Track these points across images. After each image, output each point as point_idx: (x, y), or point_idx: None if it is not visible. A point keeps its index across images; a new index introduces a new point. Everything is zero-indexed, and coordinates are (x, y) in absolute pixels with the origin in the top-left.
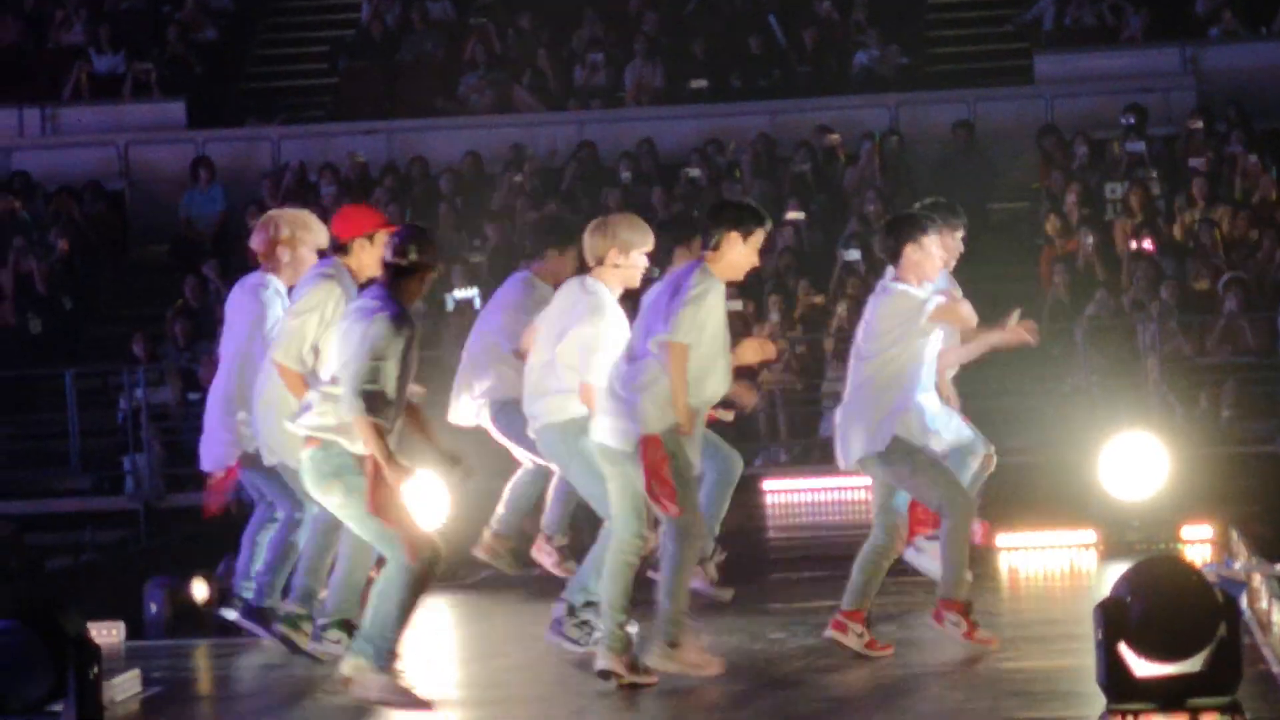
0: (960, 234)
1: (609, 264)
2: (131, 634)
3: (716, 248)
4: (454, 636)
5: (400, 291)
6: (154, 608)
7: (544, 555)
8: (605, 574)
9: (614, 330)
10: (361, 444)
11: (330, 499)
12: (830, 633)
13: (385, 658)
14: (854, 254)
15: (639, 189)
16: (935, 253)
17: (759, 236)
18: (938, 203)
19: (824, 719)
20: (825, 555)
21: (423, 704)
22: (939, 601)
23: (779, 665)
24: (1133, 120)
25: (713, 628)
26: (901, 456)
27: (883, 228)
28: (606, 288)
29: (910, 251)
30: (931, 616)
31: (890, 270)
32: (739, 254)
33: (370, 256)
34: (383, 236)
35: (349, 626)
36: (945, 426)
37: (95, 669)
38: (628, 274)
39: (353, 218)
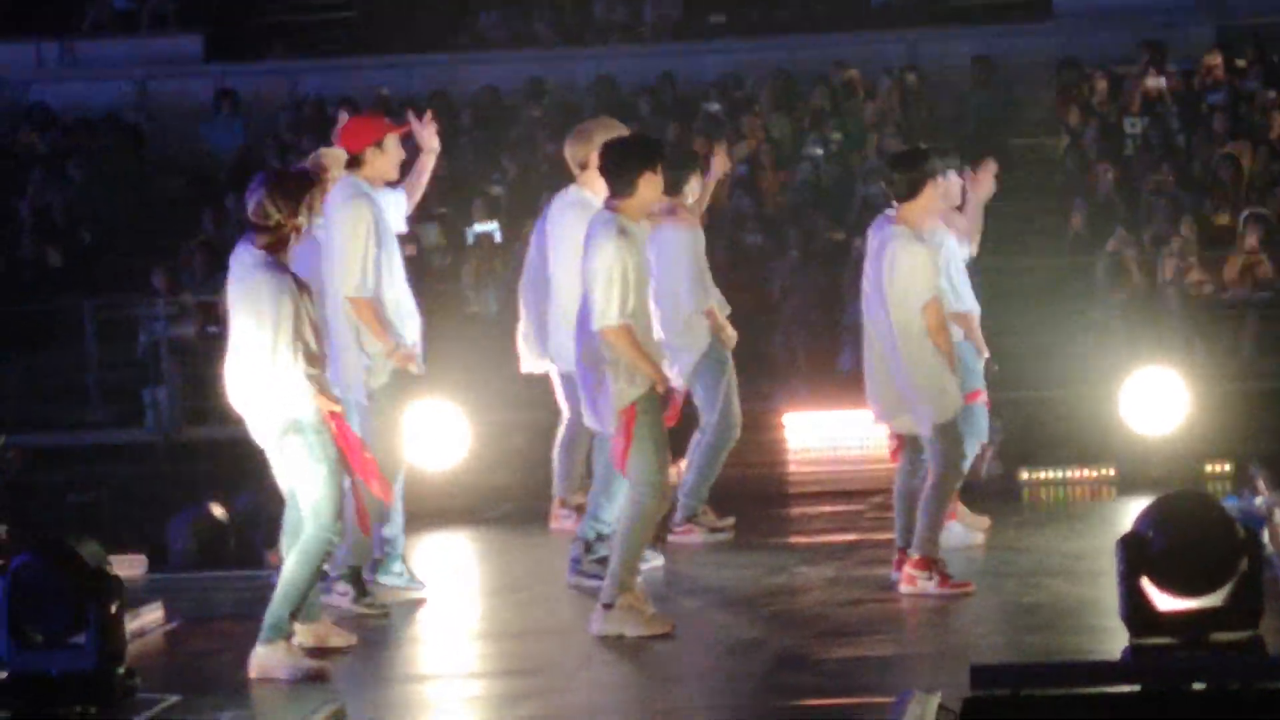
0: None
1: (592, 167)
2: (153, 567)
3: (633, 193)
4: (474, 572)
5: (279, 252)
6: (180, 542)
7: (563, 520)
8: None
9: None
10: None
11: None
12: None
13: (279, 632)
14: (873, 190)
15: (657, 123)
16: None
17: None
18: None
19: (843, 651)
20: (845, 489)
21: (322, 676)
22: (911, 560)
23: (799, 598)
24: (1151, 55)
25: (732, 562)
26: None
27: (897, 158)
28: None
29: (930, 190)
30: (901, 580)
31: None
32: (653, 189)
33: (385, 162)
34: (392, 139)
35: (359, 578)
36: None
37: (117, 602)
38: None
39: (359, 128)
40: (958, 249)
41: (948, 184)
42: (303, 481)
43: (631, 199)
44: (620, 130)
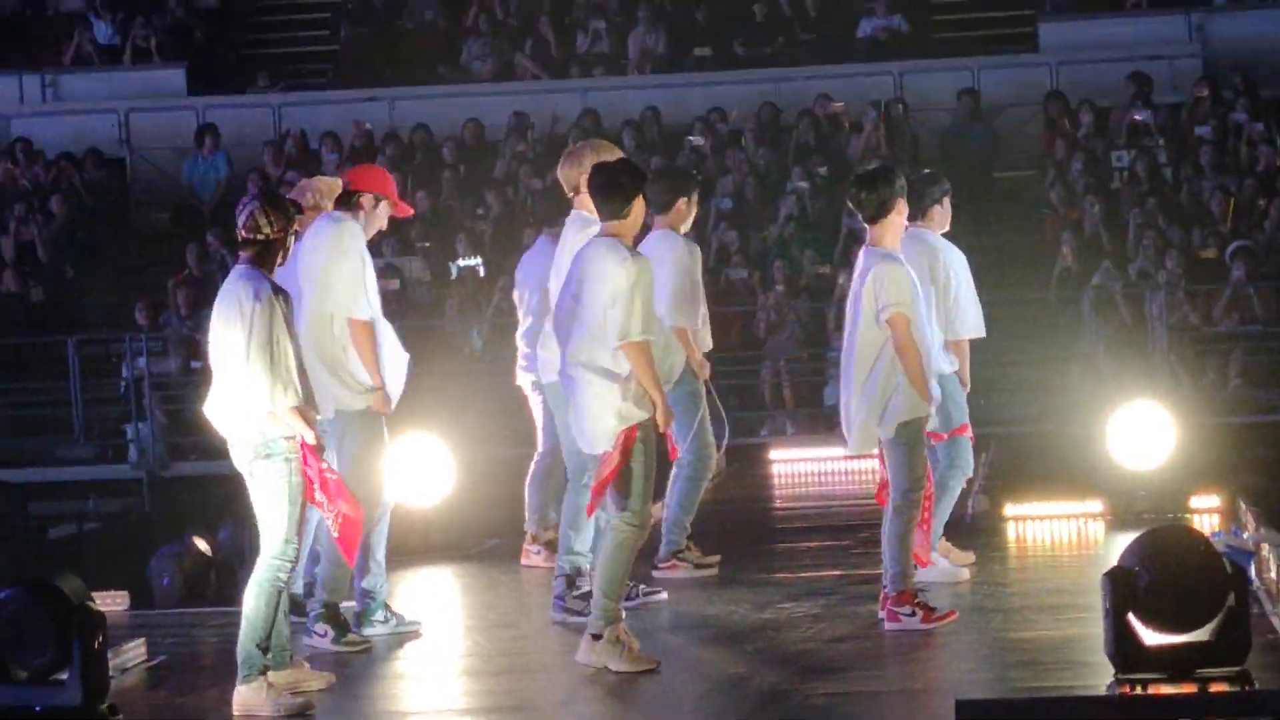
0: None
1: (584, 191)
2: (136, 603)
3: (627, 215)
4: (458, 607)
5: (263, 265)
6: (162, 578)
7: (533, 555)
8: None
9: None
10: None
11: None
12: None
13: (253, 668)
14: (860, 222)
15: (642, 157)
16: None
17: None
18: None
19: (828, 688)
20: (831, 525)
21: (306, 712)
22: (890, 598)
23: (784, 634)
24: (1138, 88)
25: (718, 597)
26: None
27: (864, 178)
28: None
29: (899, 209)
30: (885, 618)
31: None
32: (642, 211)
33: (374, 218)
34: (387, 206)
35: (337, 615)
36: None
37: (100, 638)
38: None
39: (372, 173)
40: (965, 270)
41: (944, 211)
42: (262, 507)
43: (625, 221)
44: (610, 151)
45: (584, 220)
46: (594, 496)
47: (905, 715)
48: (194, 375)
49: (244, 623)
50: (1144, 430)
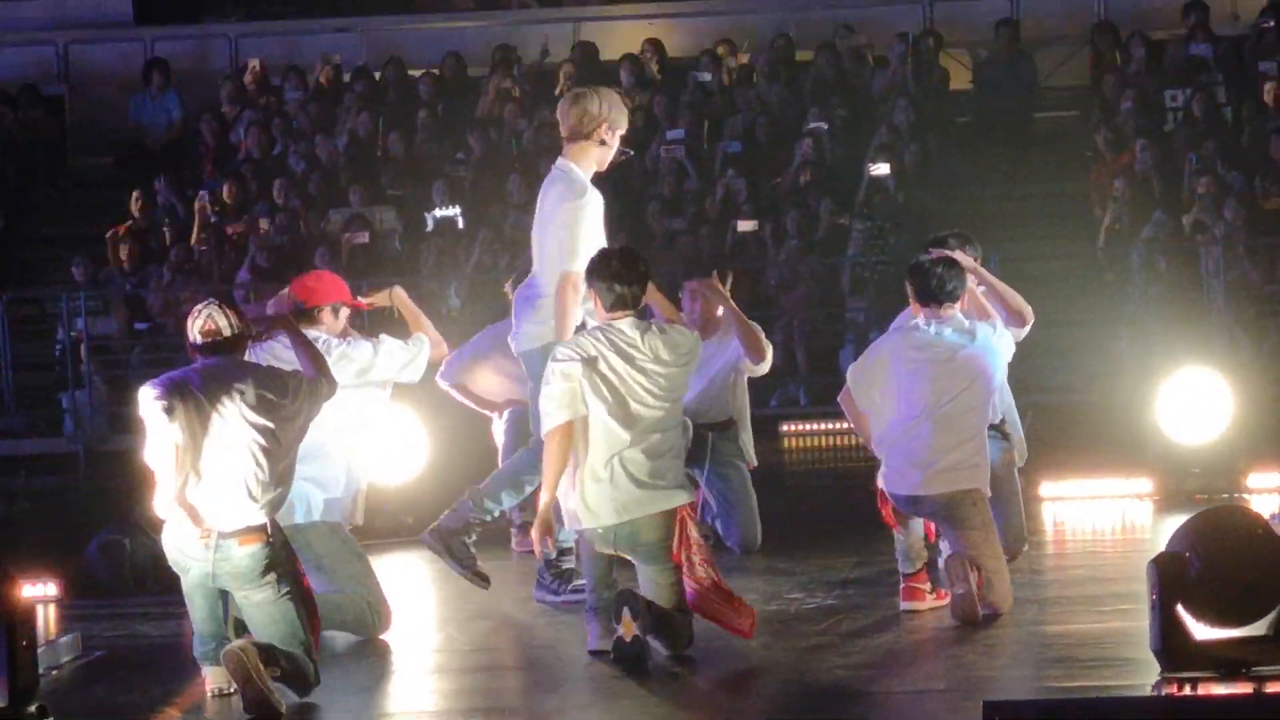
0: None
1: (580, 139)
2: (69, 592)
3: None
4: (432, 597)
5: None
6: (100, 565)
7: (523, 545)
8: None
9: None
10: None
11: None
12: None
13: None
14: (883, 168)
15: (642, 96)
16: None
17: None
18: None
19: (847, 689)
20: (848, 507)
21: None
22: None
23: (797, 628)
24: (1196, 19)
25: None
26: None
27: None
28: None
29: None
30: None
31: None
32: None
33: (336, 326)
34: (345, 311)
35: None
36: None
37: (30, 632)
38: (607, 153)
39: (319, 286)
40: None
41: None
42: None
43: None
44: (616, 105)
45: (571, 180)
46: None
47: (929, 717)
48: (139, 338)
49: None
50: (1197, 400)
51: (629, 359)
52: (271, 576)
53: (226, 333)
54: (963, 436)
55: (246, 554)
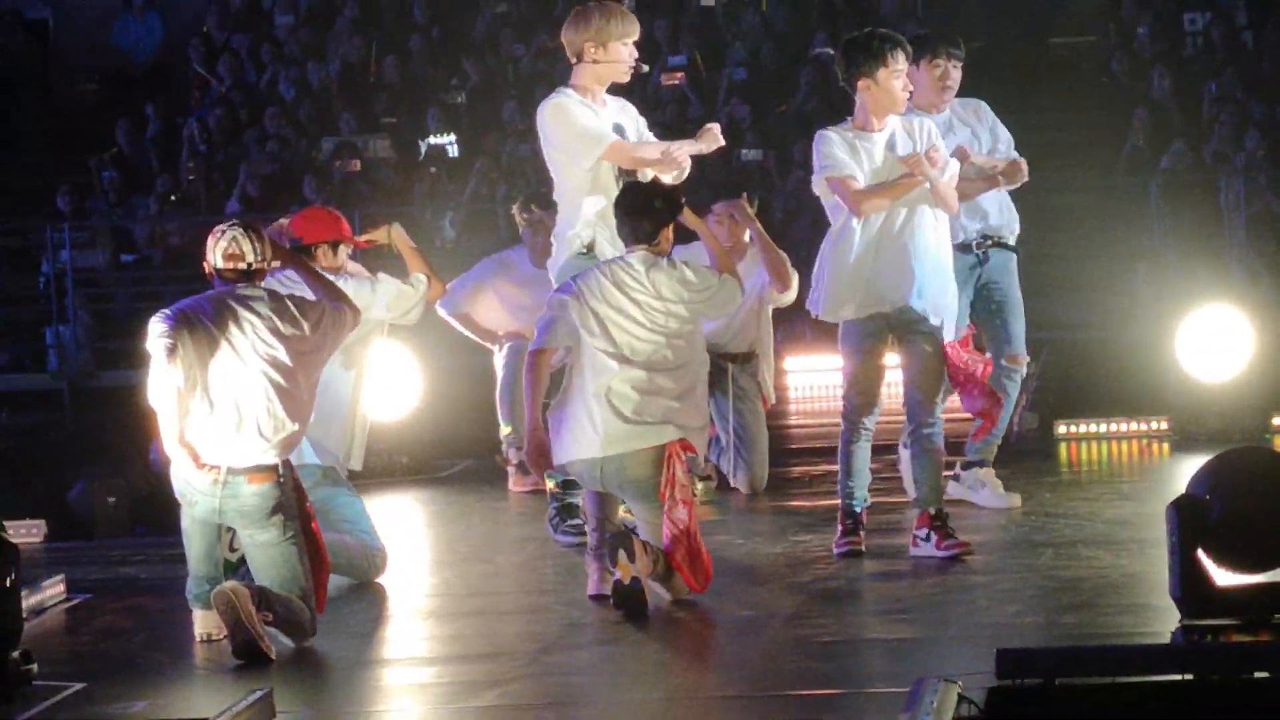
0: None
1: (587, 60)
2: (53, 534)
3: (658, 244)
4: (427, 538)
5: None
6: (85, 505)
7: (525, 481)
8: None
9: None
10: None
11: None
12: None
13: None
14: None
15: (642, 18)
16: (896, 86)
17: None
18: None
19: (855, 635)
20: None
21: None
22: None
23: (801, 571)
24: None
25: (725, 528)
26: None
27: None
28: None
29: (864, 88)
30: (912, 544)
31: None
32: (671, 239)
33: (334, 263)
34: (345, 248)
35: None
36: None
37: (12, 574)
38: (607, 70)
39: (317, 222)
40: None
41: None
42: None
43: (657, 247)
44: (626, 21)
45: (559, 104)
46: None
47: (937, 666)
48: (125, 270)
49: None
50: (1218, 338)
51: (625, 289)
52: (278, 518)
53: (249, 258)
54: None
55: (254, 492)
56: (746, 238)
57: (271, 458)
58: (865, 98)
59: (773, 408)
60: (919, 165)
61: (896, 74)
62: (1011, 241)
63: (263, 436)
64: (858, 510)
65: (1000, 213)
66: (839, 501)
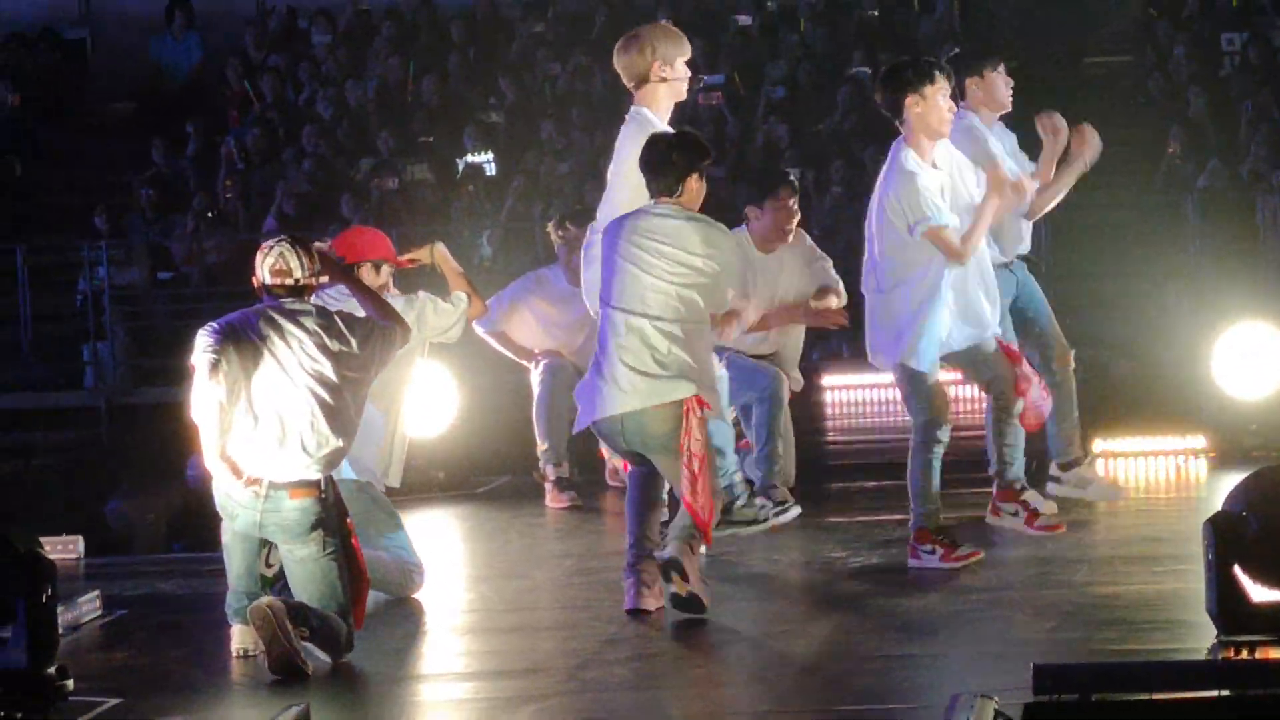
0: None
1: (653, 81)
2: (91, 549)
3: (681, 194)
4: (463, 555)
5: None
6: (122, 521)
7: (561, 497)
8: None
9: None
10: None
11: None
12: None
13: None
14: None
15: None
16: (942, 104)
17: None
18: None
19: (892, 652)
20: (893, 462)
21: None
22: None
23: (836, 588)
24: None
25: (762, 544)
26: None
27: (881, 80)
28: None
29: (912, 105)
30: (910, 555)
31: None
32: (698, 190)
33: (376, 282)
34: (388, 268)
35: None
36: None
37: (50, 590)
38: (676, 87)
39: (361, 242)
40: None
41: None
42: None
43: (681, 199)
44: (677, 43)
45: (644, 121)
46: None
47: (975, 682)
48: (162, 288)
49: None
50: (1254, 355)
51: (648, 234)
52: (318, 534)
53: (296, 274)
54: None
55: (296, 507)
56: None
57: (314, 473)
58: (912, 116)
59: (811, 424)
60: (1007, 190)
61: (943, 91)
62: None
63: (306, 452)
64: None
65: (1026, 230)
66: (914, 518)
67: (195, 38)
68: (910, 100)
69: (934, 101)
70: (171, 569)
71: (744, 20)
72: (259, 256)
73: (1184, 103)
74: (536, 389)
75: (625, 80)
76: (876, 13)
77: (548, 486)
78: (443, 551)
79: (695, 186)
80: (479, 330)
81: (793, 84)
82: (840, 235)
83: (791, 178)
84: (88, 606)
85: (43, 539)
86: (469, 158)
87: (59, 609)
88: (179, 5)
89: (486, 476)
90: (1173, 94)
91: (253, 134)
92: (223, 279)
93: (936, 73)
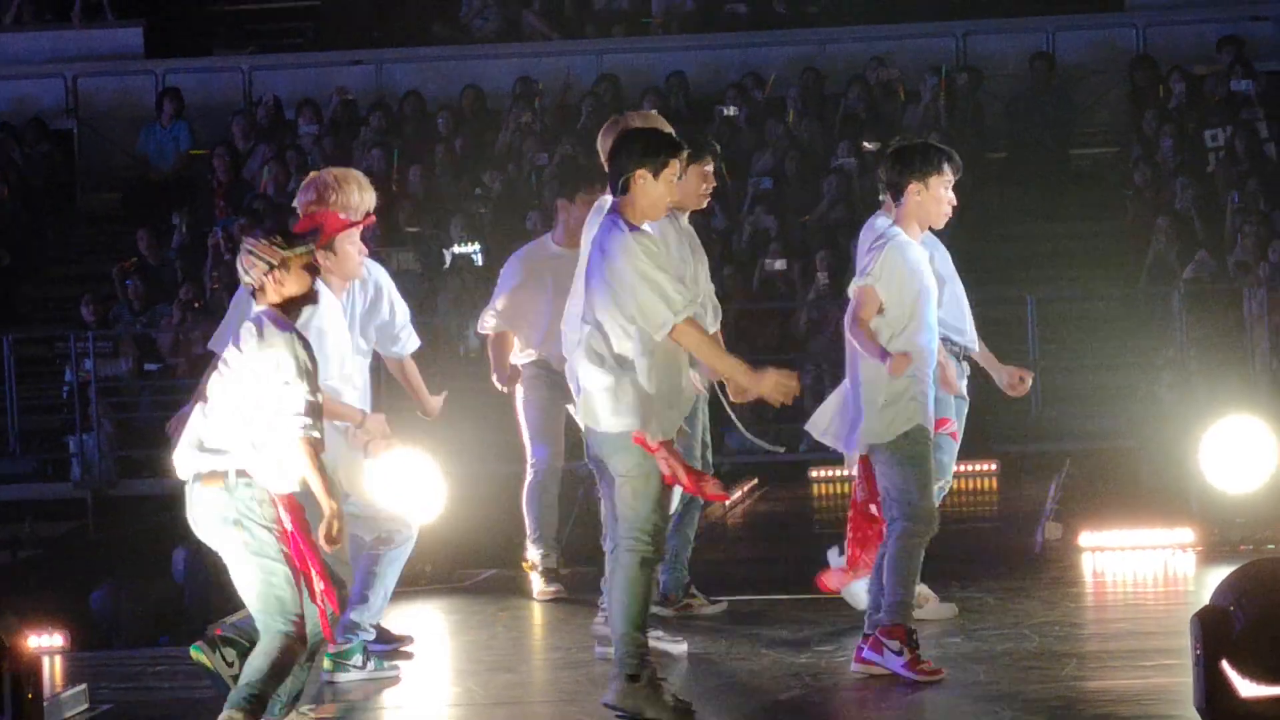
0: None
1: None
2: (76, 643)
3: (626, 190)
4: (449, 647)
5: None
6: (108, 614)
7: (548, 588)
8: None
9: None
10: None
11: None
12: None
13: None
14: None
15: None
16: (944, 196)
17: (674, 169)
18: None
19: None
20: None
21: None
22: (882, 629)
23: (824, 681)
24: (1232, 54)
25: (748, 636)
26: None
27: (890, 155)
28: None
29: (913, 191)
30: (869, 648)
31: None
32: (655, 194)
33: (340, 264)
34: (346, 240)
35: None
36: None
37: (34, 684)
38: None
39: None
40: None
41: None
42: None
43: (624, 198)
44: (660, 123)
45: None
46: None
47: None
48: (147, 379)
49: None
50: (1241, 447)
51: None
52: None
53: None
54: None
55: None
56: None
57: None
58: (911, 202)
59: (799, 515)
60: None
61: (946, 184)
62: None
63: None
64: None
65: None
66: (888, 609)
67: (183, 127)
68: (913, 186)
69: (936, 193)
70: (157, 663)
71: (730, 111)
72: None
73: (1171, 194)
74: (528, 476)
75: (605, 162)
76: (862, 105)
77: (534, 576)
78: (429, 644)
79: (642, 186)
80: (483, 327)
81: (779, 174)
82: (827, 325)
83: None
84: (73, 701)
85: (27, 631)
86: (455, 248)
87: (45, 703)
88: (168, 94)
89: (474, 569)
90: (1159, 186)
91: (239, 224)
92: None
93: (945, 164)
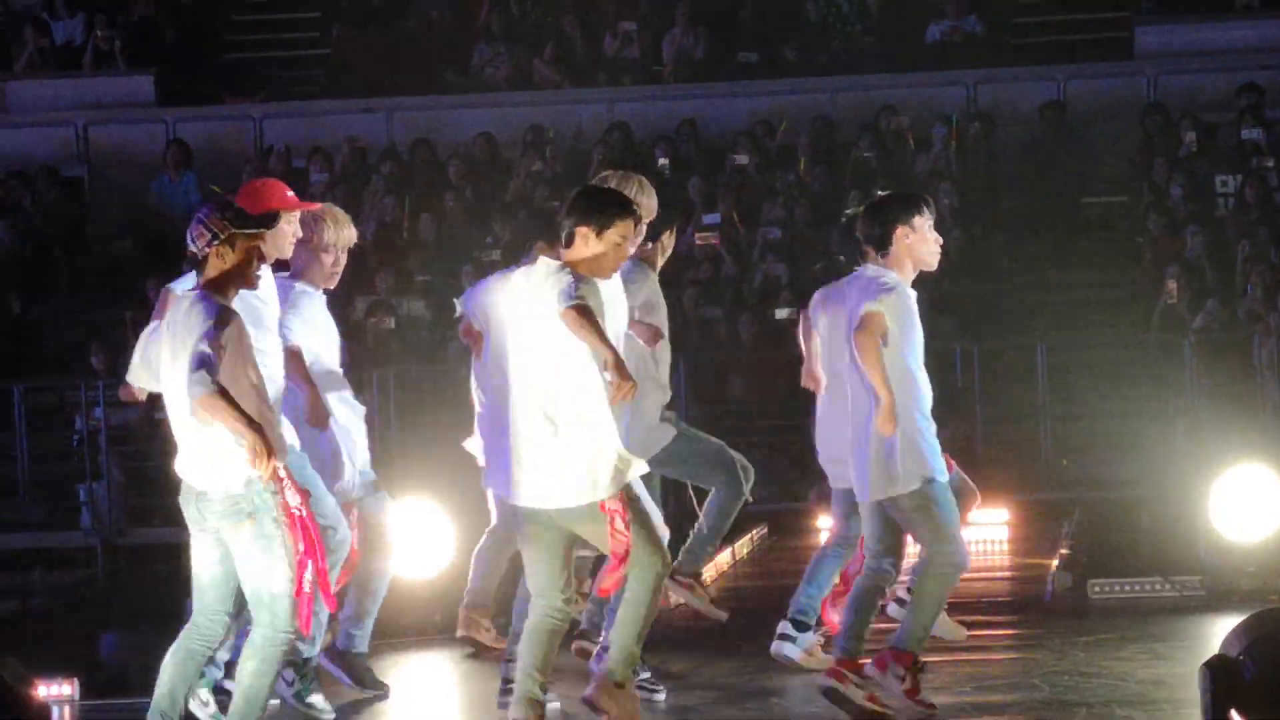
0: None
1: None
2: (87, 692)
3: (569, 244)
4: (458, 696)
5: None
6: (119, 663)
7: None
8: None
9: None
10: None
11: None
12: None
13: None
14: None
15: (678, 177)
16: (930, 235)
17: (620, 230)
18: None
19: None
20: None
21: None
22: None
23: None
24: (1248, 102)
25: (747, 689)
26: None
27: (865, 210)
28: None
29: (902, 236)
30: (873, 664)
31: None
32: (593, 251)
33: (273, 241)
34: (288, 218)
35: None
36: None
37: None
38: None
39: (253, 194)
40: None
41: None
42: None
43: (568, 252)
44: (644, 192)
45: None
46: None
47: None
48: (158, 427)
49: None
50: (1251, 497)
51: None
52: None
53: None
54: None
55: None
56: None
57: None
58: (901, 247)
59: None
60: None
61: (929, 224)
62: None
63: None
64: None
65: None
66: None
67: (192, 178)
68: (900, 231)
69: (923, 233)
70: None
71: (741, 159)
72: None
73: (1182, 243)
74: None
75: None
76: (873, 154)
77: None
78: (439, 693)
79: (584, 242)
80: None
81: (789, 224)
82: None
83: None
84: None
85: (38, 680)
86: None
87: None
88: (175, 145)
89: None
90: (1170, 234)
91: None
92: None
93: (924, 205)
